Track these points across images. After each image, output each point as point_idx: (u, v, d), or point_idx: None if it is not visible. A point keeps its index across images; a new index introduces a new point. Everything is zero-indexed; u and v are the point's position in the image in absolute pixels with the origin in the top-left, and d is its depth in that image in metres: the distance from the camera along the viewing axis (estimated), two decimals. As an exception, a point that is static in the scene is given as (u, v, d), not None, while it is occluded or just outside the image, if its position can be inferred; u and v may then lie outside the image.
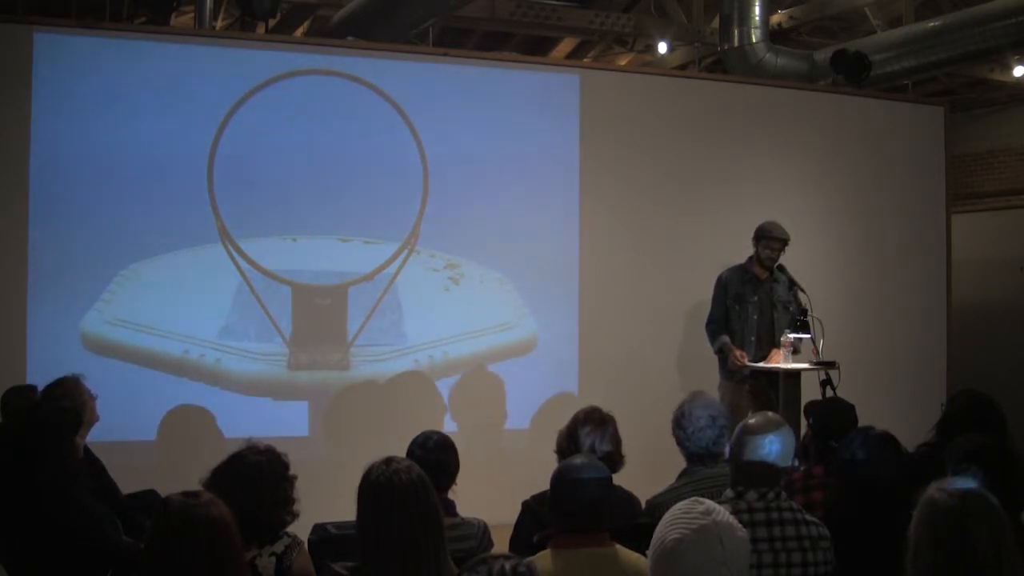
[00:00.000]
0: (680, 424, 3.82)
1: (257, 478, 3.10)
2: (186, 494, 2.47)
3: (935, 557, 2.15)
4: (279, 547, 3.06)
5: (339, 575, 2.60)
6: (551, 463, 3.08)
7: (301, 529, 3.48)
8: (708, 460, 3.73)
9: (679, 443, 3.86)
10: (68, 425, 3.72)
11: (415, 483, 2.60)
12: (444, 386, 6.30)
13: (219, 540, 2.38)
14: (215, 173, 5.87)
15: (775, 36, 8.51)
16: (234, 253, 5.92)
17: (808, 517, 2.95)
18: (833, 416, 4.06)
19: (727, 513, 2.18)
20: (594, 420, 3.80)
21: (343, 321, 6.13)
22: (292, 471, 3.26)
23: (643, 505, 3.69)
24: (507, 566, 2.00)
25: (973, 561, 2.12)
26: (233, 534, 2.46)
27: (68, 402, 4.04)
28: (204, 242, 5.88)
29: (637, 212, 6.81)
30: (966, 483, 2.26)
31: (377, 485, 2.59)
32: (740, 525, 2.20)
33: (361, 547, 2.57)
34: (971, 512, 2.15)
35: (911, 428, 4.29)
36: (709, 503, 2.18)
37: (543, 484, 2.98)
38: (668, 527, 2.13)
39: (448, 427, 5.92)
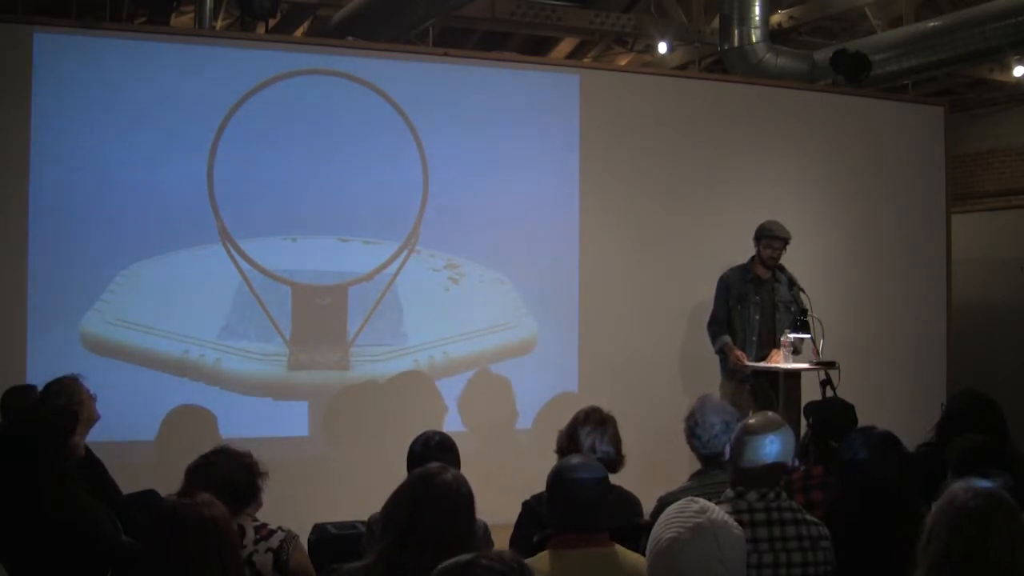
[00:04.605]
0: (695, 433, 3.81)
1: (218, 465, 3.11)
2: (181, 495, 2.48)
3: (950, 550, 2.16)
4: (275, 542, 3.06)
5: (352, 570, 2.55)
6: (551, 463, 3.08)
7: (301, 529, 3.49)
8: (725, 463, 3.72)
9: (695, 451, 3.86)
10: (65, 425, 3.72)
11: (471, 499, 2.57)
12: (444, 386, 6.30)
13: (214, 539, 2.39)
14: (215, 173, 5.87)
15: (775, 36, 8.50)
16: (234, 253, 5.92)
17: (808, 517, 2.96)
18: (833, 416, 4.06)
19: (722, 512, 2.19)
20: (594, 420, 3.81)
21: (343, 321, 6.13)
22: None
23: (653, 503, 3.67)
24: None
25: (987, 559, 2.14)
26: (229, 533, 2.46)
27: (65, 400, 4.04)
28: (204, 242, 5.87)
29: (637, 212, 6.81)
30: (989, 484, 2.28)
31: (440, 486, 2.51)
32: (735, 523, 2.20)
33: (384, 537, 2.50)
34: (994, 512, 2.17)
35: (911, 428, 4.28)
36: (704, 502, 2.19)
37: (543, 484, 2.98)
38: (664, 526, 2.14)
39: (448, 427, 5.91)
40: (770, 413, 3.26)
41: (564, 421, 3.91)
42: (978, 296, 8.89)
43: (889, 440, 3.29)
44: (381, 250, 6.22)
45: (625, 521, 3.30)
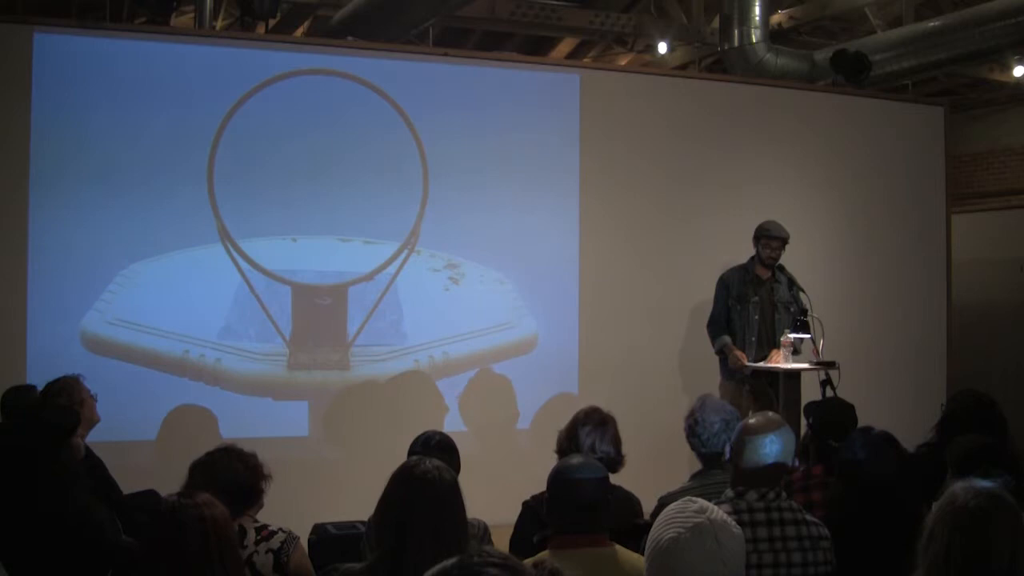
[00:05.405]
0: (694, 432, 3.84)
1: (222, 465, 3.11)
2: (182, 495, 2.48)
3: (950, 550, 2.17)
4: (275, 543, 3.06)
5: (352, 570, 2.55)
6: (551, 463, 3.08)
7: (301, 529, 3.49)
8: (725, 463, 3.72)
9: (695, 451, 3.87)
10: (67, 425, 3.73)
11: (456, 485, 2.57)
12: (444, 386, 6.30)
13: (214, 539, 2.39)
14: (215, 173, 5.87)
15: (775, 36, 8.51)
16: (234, 253, 5.92)
17: (808, 517, 2.96)
18: (833, 416, 4.07)
19: (721, 512, 2.19)
20: (594, 420, 3.81)
21: (343, 321, 6.13)
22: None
23: (653, 503, 3.67)
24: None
25: (987, 559, 2.14)
26: (229, 533, 2.46)
27: (65, 400, 4.05)
28: (204, 242, 5.87)
29: (637, 212, 6.81)
30: (989, 484, 2.29)
31: (424, 478, 2.51)
32: (734, 523, 2.20)
33: (382, 540, 2.51)
34: (994, 512, 2.18)
35: (911, 428, 4.29)
36: (703, 502, 2.19)
37: (543, 484, 2.98)
38: (663, 527, 2.14)
39: (449, 427, 5.91)
40: (770, 413, 3.26)
41: (564, 421, 3.92)
42: (978, 296, 8.89)
43: (887, 440, 3.29)
44: (381, 250, 6.22)
45: (625, 521, 3.30)
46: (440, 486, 2.51)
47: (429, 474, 2.51)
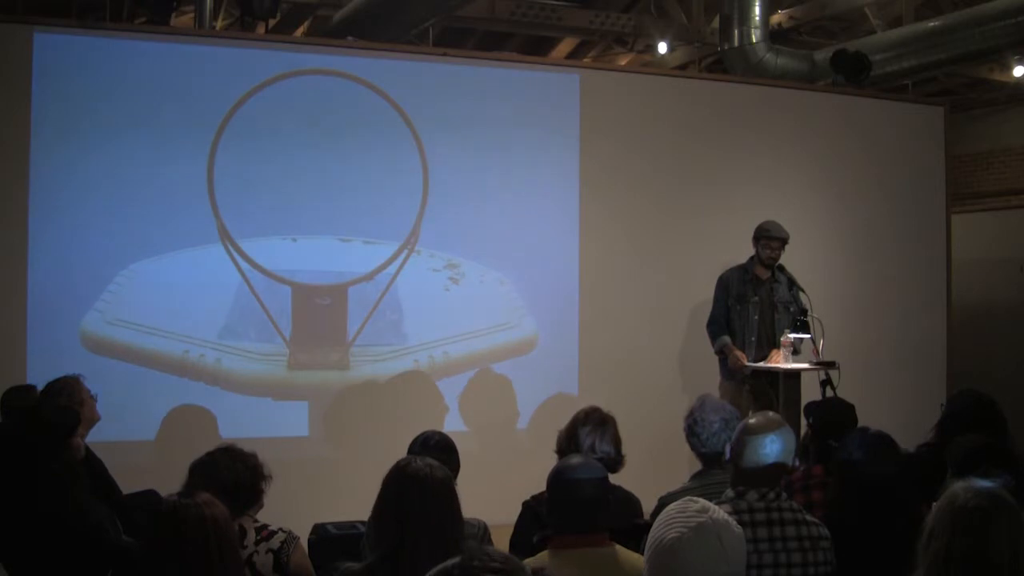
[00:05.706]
0: (693, 431, 3.84)
1: (222, 465, 3.12)
2: (182, 495, 2.48)
3: (950, 550, 2.17)
4: (275, 543, 3.07)
5: (351, 570, 2.55)
6: (551, 463, 3.08)
7: (301, 529, 3.49)
8: (725, 463, 3.72)
9: (694, 450, 3.87)
10: (67, 424, 3.73)
11: (449, 481, 2.58)
12: (444, 386, 6.30)
13: (214, 539, 2.39)
14: (215, 173, 5.87)
15: (775, 36, 8.51)
16: (234, 253, 5.92)
17: (808, 517, 2.96)
18: (833, 416, 4.07)
19: (722, 511, 2.20)
20: (594, 420, 3.81)
21: (343, 321, 6.13)
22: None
23: (653, 503, 3.67)
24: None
25: (987, 559, 2.14)
26: (229, 533, 2.46)
27: (65, 400, 4.05)
28: (204, 242, 5.87)
29: (637, 212, 6.81)
30: (990, 483, 2.29)
31: (416, 476, 2.53)
32: (735, 522, 2.21)
33: (380, 540, 2.52)
34: (994, 511, 2.18)
35: (911, 428, 4.29)
36: (704, 502, 2.20)
37: (543, 484, 2.98)
38: (665, 526, 2.14)
39: (448, 427, 5.91)
40: (770, 413, 3.26)
41: (564, 421, 3.92)
42: (978, 296, 8.89)
43: (883, 440, 3.29)
44: (381, 250, 6.22)
45: (625, 521, 3.30)
46: (433, 483, 2.52)
47: (421, 472, 2.53)
